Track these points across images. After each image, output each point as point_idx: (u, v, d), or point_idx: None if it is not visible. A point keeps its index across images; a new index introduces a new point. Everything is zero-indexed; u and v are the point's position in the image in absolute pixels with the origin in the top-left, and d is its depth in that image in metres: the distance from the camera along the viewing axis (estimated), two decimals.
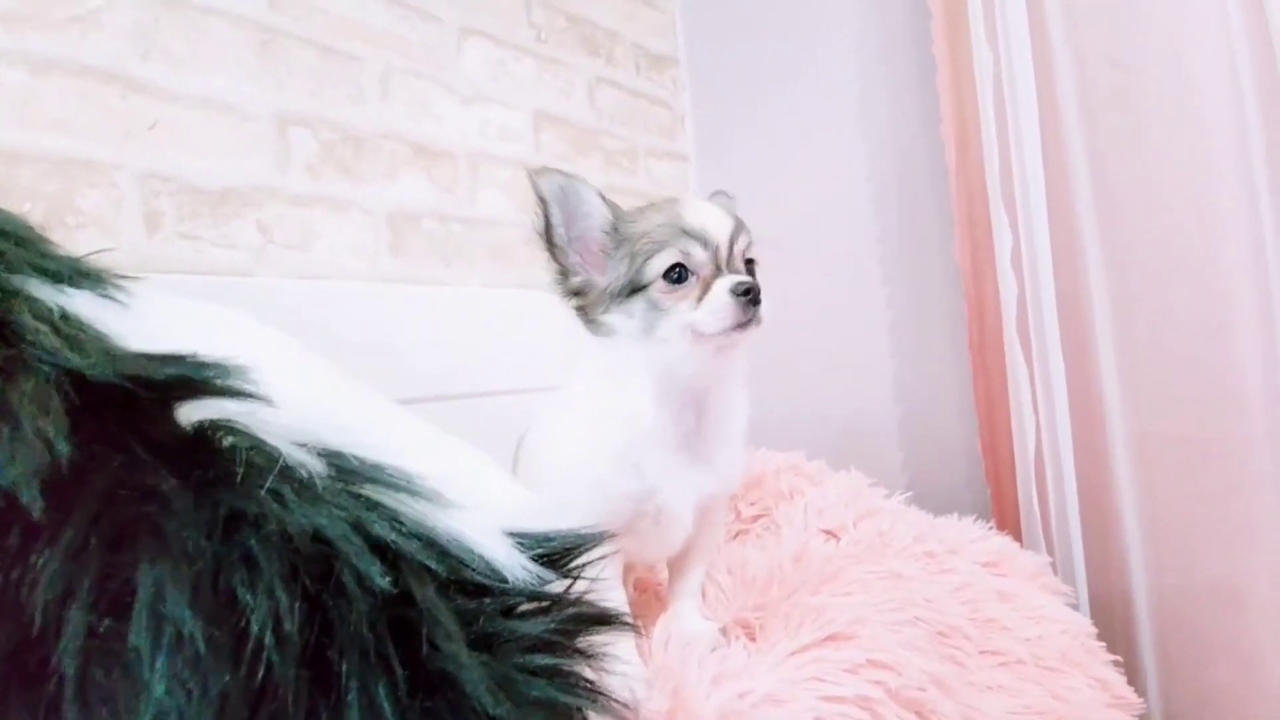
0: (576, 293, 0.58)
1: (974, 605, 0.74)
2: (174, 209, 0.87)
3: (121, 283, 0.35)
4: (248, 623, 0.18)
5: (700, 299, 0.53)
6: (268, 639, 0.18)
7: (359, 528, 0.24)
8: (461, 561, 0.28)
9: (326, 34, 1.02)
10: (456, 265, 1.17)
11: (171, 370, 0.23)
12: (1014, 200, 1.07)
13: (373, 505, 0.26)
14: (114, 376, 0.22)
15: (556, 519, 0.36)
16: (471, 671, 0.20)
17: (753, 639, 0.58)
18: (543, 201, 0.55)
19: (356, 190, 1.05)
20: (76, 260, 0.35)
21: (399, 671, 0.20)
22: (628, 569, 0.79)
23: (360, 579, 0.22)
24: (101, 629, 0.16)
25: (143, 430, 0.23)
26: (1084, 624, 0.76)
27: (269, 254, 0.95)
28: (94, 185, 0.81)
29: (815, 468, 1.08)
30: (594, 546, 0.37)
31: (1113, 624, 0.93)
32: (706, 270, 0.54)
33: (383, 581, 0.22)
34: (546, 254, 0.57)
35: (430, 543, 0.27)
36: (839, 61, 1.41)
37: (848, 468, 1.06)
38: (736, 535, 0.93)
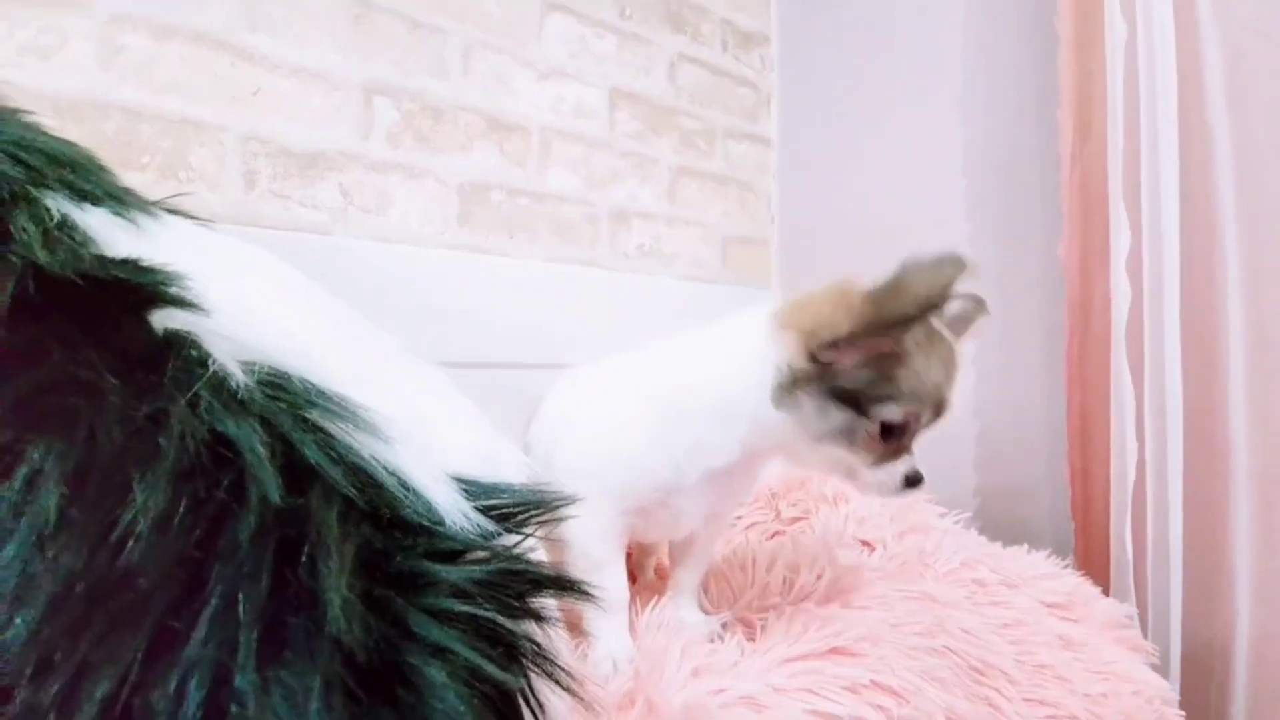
0: (818, 361, 0.48)
1: (1025, 646, 0.65)
2: (269, 169, 0.95)
3: (158, 212, 0.37)
4: (128, 511, 0.19)
5: (879, 460, 0.49)
6: (140, 529, 0.19)
7: (281, 443, 0.24)
8: (395, 497, 0.28)
9: (415, 8, 1.07)
10: (519, 238, 1.19)
11: (117, 271, 0.25)
12: (1138, 197, 0.92)
13: (310, 428, 0.27)
14: (70, 273, 0.24)
15: (515, 474, 0.35)
16: (336, 594, 0.20)
17: (752, 640, 0.55)
18: (933, 304, 0.44)
19: (432, 160, 1.09)
20: (123, 189, 0.38)
21: (266, 585, 0.19)
22: (646, 551, 0.77)
23: (260, 491, 0.22)
24: None
25: (107, 334, 0.25)
26: (1162, 688, 0.65)
27: (348, 215, 1.02)
28: (203, 144, 0.90)
29: None
30: (554, 509, 0.35)
31: (1206, 689, 0.79)
32: (909, 439, 0.50)
33: (275, 495, 0.21)
34: (870, 326, 0.46)
35: (357, 471, 0.26)
36: (943, 41, 1.28)
37: None
38: (773, 536, 0.88)
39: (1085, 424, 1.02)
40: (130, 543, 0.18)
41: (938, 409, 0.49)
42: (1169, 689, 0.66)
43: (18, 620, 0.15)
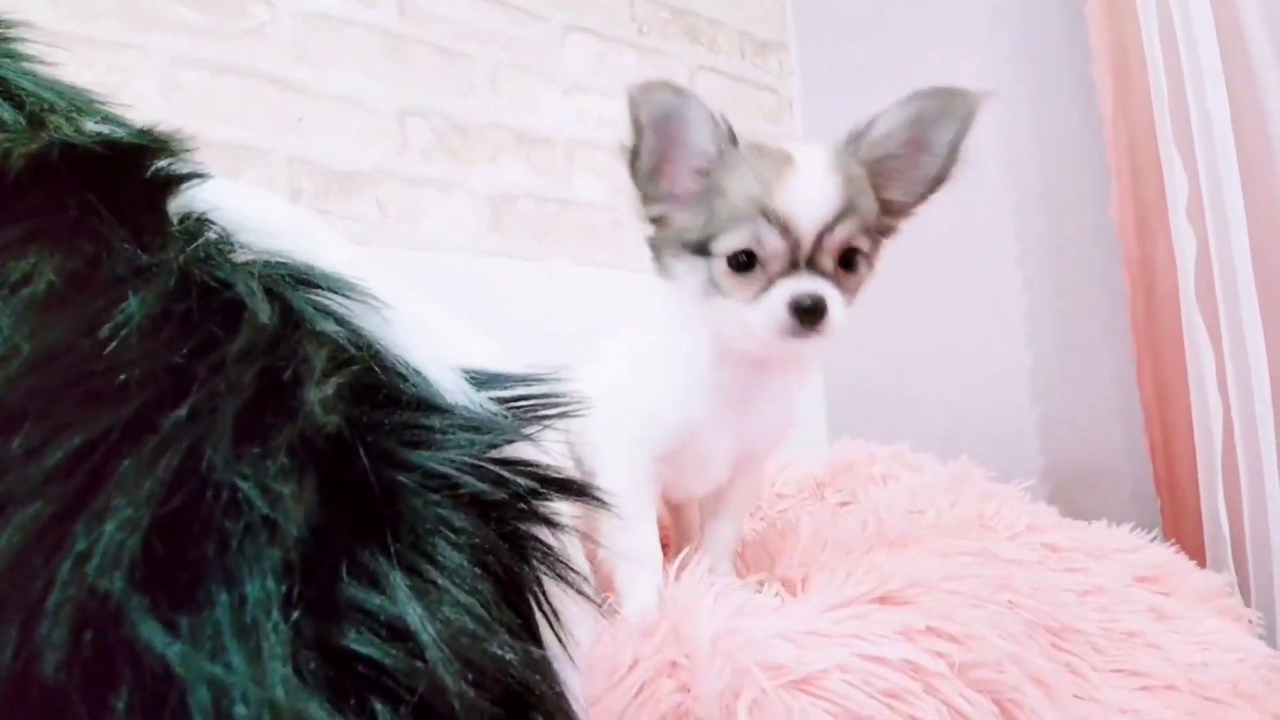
0: (655, 220, 0.51)
1: (1110, 614, 0.59)
2: (312, 186, 1.02)
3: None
4: (118, 313, 0.19)
5: (757, 296, 0.47)
6: (128, 331, 0.19)
7: (279, 304, 0.25)
8: (394, 370, 0.28)
9: (445, 37, 1.15)
10: (548, 243, 1.22)
11: (134, 139, 0.26)
12: (1190, 140, 0.87)
13: (312, 301, 0.27)
14: (89, 144, 0.25)
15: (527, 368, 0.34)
16: (314, 393, 0.19)
17: (793, 595, 0.51)
18: (635, 124, 0.47)
19: (462, 173, 1.15)
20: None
21: (248, 392, 0.19)
22: (684, 534, 0.74)
23: (251, 320, 0.22)
24: None
25: (124, 208, 0.26)
26: (1269, 655, 0.57)
27: (384, 227, 1.07)
28: (254, 166, 0.97)
29: (921, 459, 0.95)
30: (570, 405, 0.34)
31: None
32: (778, 265, 0.46)
33: (265, 318, 0.22)
34: (630, 176, 0.50)
35: (356, 336, 0.27)
36: (968, 17, 1.27)
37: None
38: None
39: (1161, 392, 0.94)
40: (117, 340, 0.19)
41: (781, 223, 0.45)
42: (1276, 656, 0.57)
43: None
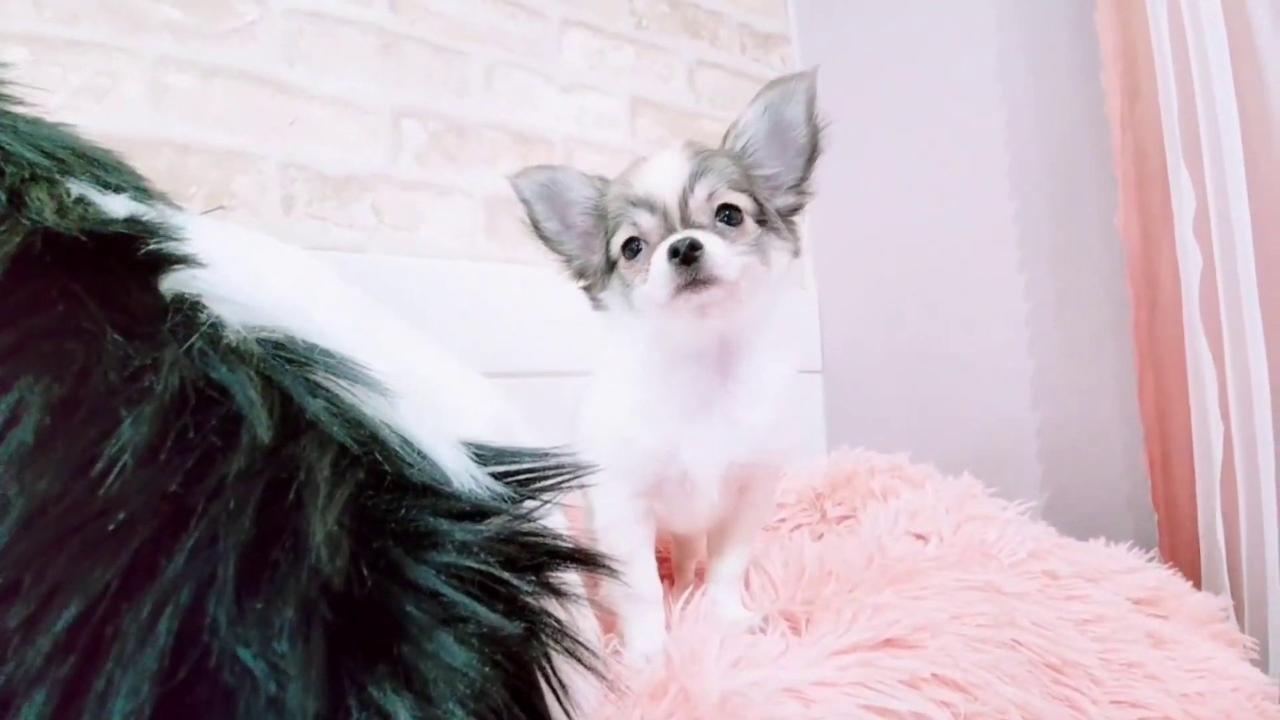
0: (581, 274, 0.59)
1: (1108, 644, 0.59)
2: (306, 193, 0.99)
3: (180, 206, 0.39)
4: (113, 442, 0.18)
5: (648, 270, 0.51)
6: (124, 462, 0.18)
7: (278, 394, 0.24)
8: (398, 455, 0.27)
9: (439, 34, 1.11)
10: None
11: (118, 227, 0.25)
12: (1200, 154, 0.86)
13: (310, 384, 0.26)
14: (76, 232, 0.24)
15: (531, 441, 0.33)
16: (319, 527, 0.19)
17: (797, 633, 0.51)
18: (524, 202, 0.58)
19: (459, 176, 1.12)
20: (147, 184, 0.39)
21: (250, 521, 0.19)
22: (686, 553, 0.74)
23: (250, 433, 0.21)
24: None
25: (114, 293, 0.25)
26: (1263, 683, 0.57)
27: (380, 233, 1.05)
28: (245, 173, 0.95)
29: (920, 471, 0.95)
30: (574, 477, 0.34)
31: None
32: (656, 236, 0.51)
33: (265, 435, 0.21)
34: (541, 243, 0.60)
35: (358, 426, 0.26)
36: (975, 14, 1.24)
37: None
38: (820, 538, 0.84)
39: (1162, 407, 0.93)
40: (112, 475, 0.18)
41: (646, 204, 0.51)
42: (1270, 684, 0.58)
43: None
